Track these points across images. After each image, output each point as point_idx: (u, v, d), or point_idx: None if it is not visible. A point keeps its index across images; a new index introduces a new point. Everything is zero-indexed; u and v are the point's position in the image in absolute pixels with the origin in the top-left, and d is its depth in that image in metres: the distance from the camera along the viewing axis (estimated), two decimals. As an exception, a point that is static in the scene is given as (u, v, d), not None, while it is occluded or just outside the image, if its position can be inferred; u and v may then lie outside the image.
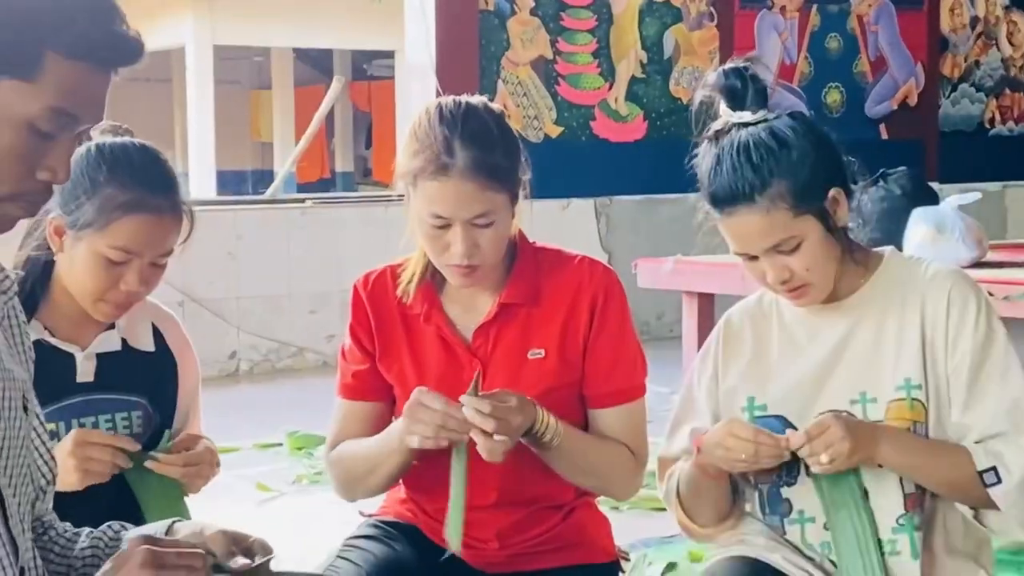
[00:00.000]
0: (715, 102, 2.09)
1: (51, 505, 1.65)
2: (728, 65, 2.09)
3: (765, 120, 2.02)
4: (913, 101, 8.93)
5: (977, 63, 9.27)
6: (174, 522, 1.62)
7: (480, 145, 2.05)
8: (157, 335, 2.26)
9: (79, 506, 1.94)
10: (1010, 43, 9.41)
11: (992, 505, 1.99)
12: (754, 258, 2.02)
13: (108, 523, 1.66)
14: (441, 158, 2.04)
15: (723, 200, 2.00)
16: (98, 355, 2.18)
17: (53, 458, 1.62)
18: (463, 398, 1.99)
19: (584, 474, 2.18)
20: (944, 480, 2.00)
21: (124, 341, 2.21)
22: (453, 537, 2.04)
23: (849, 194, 2.05)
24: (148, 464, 2.11)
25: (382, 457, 2.14)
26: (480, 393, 2.01)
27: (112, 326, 2.20)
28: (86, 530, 1.65)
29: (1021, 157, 9.31)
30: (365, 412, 2.23)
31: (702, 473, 2.06)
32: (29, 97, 1.38)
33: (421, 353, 2.19)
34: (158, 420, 2.23)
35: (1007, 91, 9.43)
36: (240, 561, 1.53)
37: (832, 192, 2.02)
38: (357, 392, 2.24)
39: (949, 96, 9.16)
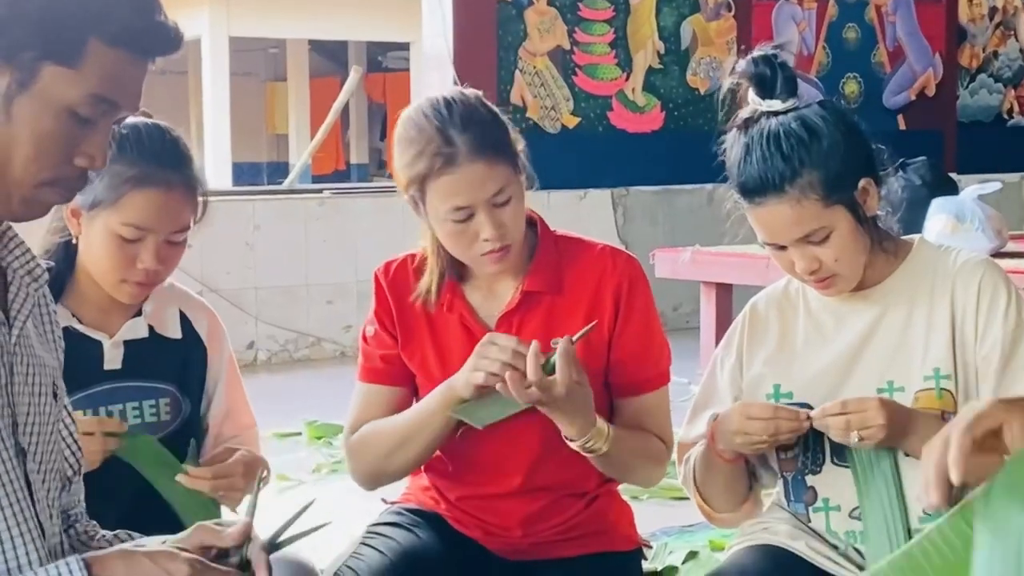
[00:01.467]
0: (743, 90, 2.08)
1: (81, 497, 1.66)
2: (757, 52, 2.07)
3: (795, 109, 2.01)
4: (931, 92, 8.91)
5: (995, 54, 9.24)
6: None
7: (474, 124, 2.05)
8: (185, 322, 2.25)
9: (101, 506, 1.94)
10: (1029, 34, 9.40)
11: None
12: (782, 248, 2.02)
13: (115, 532, 1.67)
14: (444, 150, 2.04)
15: (753, 190, 1.99)
16: (125, 342, 2.18)
17: (80, 448, 1.63)
18: (563, 340, 1.98)
19: (621, 471, 2.18)
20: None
21: (151, 328, 2.21)
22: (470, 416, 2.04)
23: (879, 183, 2.04)
24: (178, 478, 2.09)
25: (415, 430, 2.13)
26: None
27: (139, 313, 2.20)
28: (99, 534, 1.66)
29: (1039, 148, 9.31)
30: (388, 397, 2.22)
31: (717, 456, 2.06)
32: (71, 83, 1.39)
33: (444, 342, 2.18)
34: (188, 407, 2.22)
35: (1025, 82, 9.42)
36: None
37: (862, 182, 2.01)
38: (382, 376, 2.23)
39: (967, 87, 9.14)
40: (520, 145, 2.14)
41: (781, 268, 2.07)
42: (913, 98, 8.83)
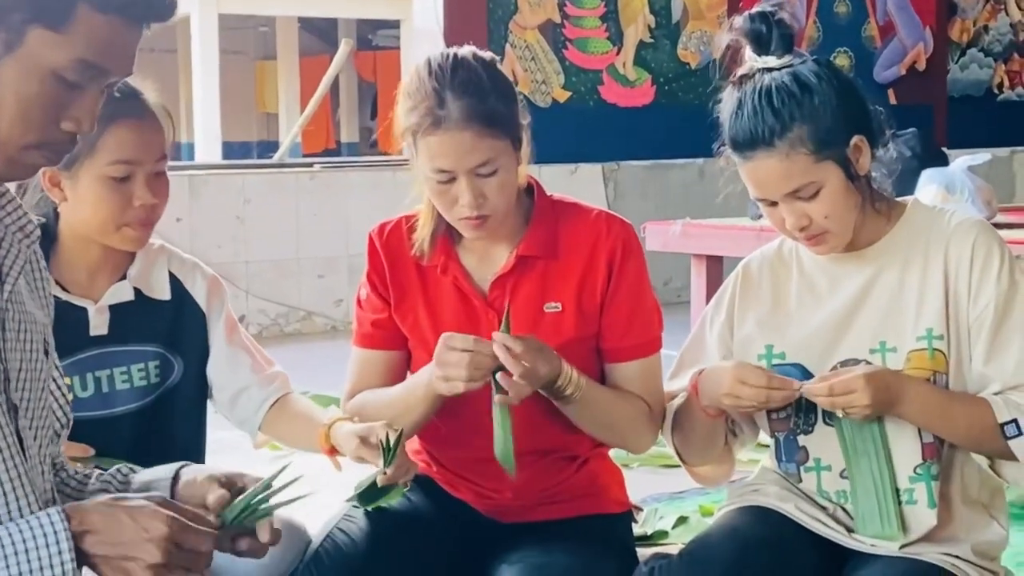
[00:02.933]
0: (740, 48, 2.08)
1: (63, 448, 1.66)
2: (755, 9, 2.07)
3: (790, 65, 2.01)
4: (922, 66, 8.94)
5: (986, 28, 9.28)
6: (181, 467, 1.63)
7: (472, 93, 2.04)
8: (175, 283, 2.24)
9: (136, 429, 2.03)
10: (1019, 8, 9.42)
11: (1011, 456, 1.98)
12: (773, 204, 2.02)
13: (117, 467, 1.68)
14: (434, 112, 2.04)
15: (743, 144, 2.00)
16: (111, 307, 2.17)
17: (68, 402, 1.63)
18: (495, 335, 2.00)
19: (604, 428, 2.18)
20: (964, 433, 1.99)
21: (137, 291, 2.20)
22: (507, 464, 2.04)
23: (873, 142, 2.04)
24: None
25: (405, 409, 2.13)
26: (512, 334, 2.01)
27: (124, 277, 2.19)
28: (95, 472, 1.67)
29: (1030, 122, 9.32)
30: (383, 361, 2.23)
31: (700, 411, 2.06)
32: (57, 47, 1.38)
33: (437, 304, 2.18)
34: (180, 368, 2.22)
35: (1016, 56, 9.44)
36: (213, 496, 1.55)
37: (855, 139, 2.00)
38: (375, 341, 2.23)
39: (958, 61, 9.18)
40: (527, 120, 2.13)
41: (772, 225, 2.07)
42: (903, 73, 8.85)
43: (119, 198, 2.09)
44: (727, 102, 2.04)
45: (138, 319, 2.19)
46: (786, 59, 2.02)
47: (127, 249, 2.17)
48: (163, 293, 2.23)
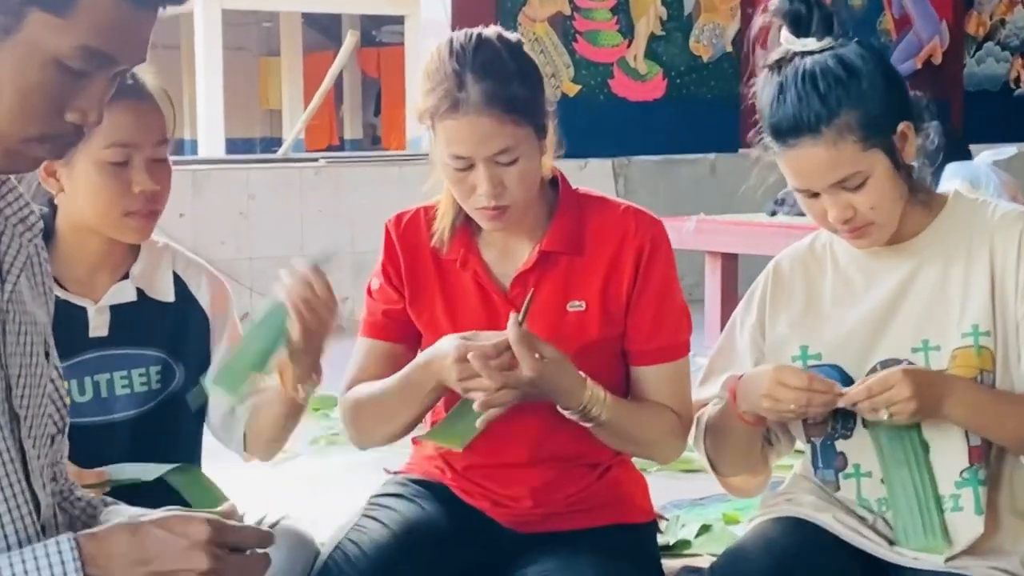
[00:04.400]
0: (774, 28, 2.00)
1: (65, 453, 1.56)
2: None
3: (831, 48, 1.93)
4: (938, 60, 8.96)
5: (1003, 22, 9.28)
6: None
7: (493, 76, 1.97)
8: (179, 284, 2.16)
9: (137, 436, 1.99)
10: (1035, 2, 9.49)
11: None
12: (815, 195, 1.94)
13: (102, 498, 1.59)
14: (453, 94, 1.97)
15: (786, 131, 1.91)
16: (112, 307, 2.09)
17: (65, 404, 1.54)
18: (511, 324, 1.92)
19: (630, 443, 2.13)
20: (1014, 434, 1.93)
21: (140, 291, 2.12)
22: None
23: (918, 130, 1.97)
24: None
25: (401, 407, 2.08)
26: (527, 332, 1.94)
27: (126, 276, 2.12)
28: (100, 500, 1.58)
29: (1046, 117, 9.38)
30: (389, 352, 2.16)
31: (738, 419, 1.99)
32: (59, 33, 1.28)
33: (456, 300, 2.12)
34: (181, 374, 2.14)
35: (1032, 51, 9.51)
36: None
37: (901, 126, 1.93)
38: (384, 331, 2.17)
39: (974, 55, 9.19)
40: (552, 107, 2.06)
41: (812, 218, 1.99)
42: (919, 66, 8.85)
43: (117, 184, 2.01)
44: (766, 87, 1.96)
45: (140, 321, 2.11)
46: (826, 41, 1.94)
47: (129, 241, 2.09)
48: (167, 295, 2.15)
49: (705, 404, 2.12)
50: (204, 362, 2.16)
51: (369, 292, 2.19)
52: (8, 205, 1.42)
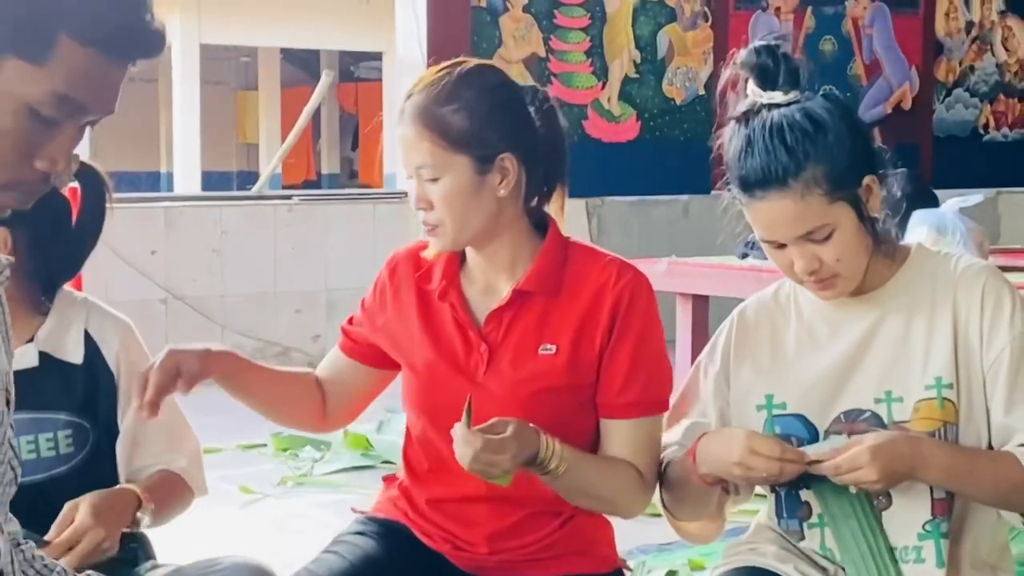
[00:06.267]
0: (741, 81, 2.01)
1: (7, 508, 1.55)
2: (759, 43, 2.01)
3: (797, 101, 1.94)
4: (907, 105, 9.00)
5: (972, 68, 9.33)
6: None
7: (429, 94, 2.02)
8: (89, 344, 2.13)
9: (47, 501, 1.92)
10: (1005, 48, 9.48)
11: None
12: (782, 247, 1.95)
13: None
14: (401, 104, 2.06)
15: (754, 184, 1.92)
16: (14, 372, 2.06)
17: (17, 456, 1.54)
18: (455, 429, 1.92)
19: (589, 499, 2.10)
20: (991, 490, 1.92)
21: (45, 354, 2.09)
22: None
23: (882, 183, 1.98)
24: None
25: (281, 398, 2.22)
26: (473, 427, 1.92)
27: (31, 339, 2.09)
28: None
29: (1015, 163, 9.37)
30: (337, 360, 2.27)
31: (698, 479, 1.98)
32: (33, 80, 1.29)
33: (433, 331, 2.13)
34: (96, 436, 2.11)
35: (1001, 97, 9.50)
36: None
37: (866, 180, 1.94)
38: (347, 347, 2.25)
39: (944, 101, 9.22)
40: (511, 151, 2.04)
41: (778, 268, 1.99)
42: (889, 112, 8.90)
43: None
44: (733, 139, 1.96)
45: (45, 384, 2.07)
46: (793, 95, 1.95)
47: None
48: (75, 355, 2.12)
49: (667, 449, 2.10)
50: (114, 424, 2.13)
51: (349, 320, 2.26)
52: None
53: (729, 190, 1.98)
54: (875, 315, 2.00)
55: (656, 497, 2.13)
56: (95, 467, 2.08)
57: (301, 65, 19.57)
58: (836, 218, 1.91)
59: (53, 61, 1.28)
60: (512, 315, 2.08)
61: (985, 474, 1.90)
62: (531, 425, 1.96)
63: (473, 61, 2.09)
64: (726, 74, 2.02)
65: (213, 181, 17.45)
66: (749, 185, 1.92)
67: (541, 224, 2.14)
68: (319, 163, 20.37)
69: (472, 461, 1.89)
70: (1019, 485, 1.88)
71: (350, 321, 2.24)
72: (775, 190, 1.89)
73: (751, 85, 1.98)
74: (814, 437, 1.98)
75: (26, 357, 2.06)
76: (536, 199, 2.12)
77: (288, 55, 19.05)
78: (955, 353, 1.94)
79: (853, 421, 1.98)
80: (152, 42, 1.35)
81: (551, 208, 2.15)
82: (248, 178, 18.88)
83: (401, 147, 2.04)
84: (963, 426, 1.94)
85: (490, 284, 2.12)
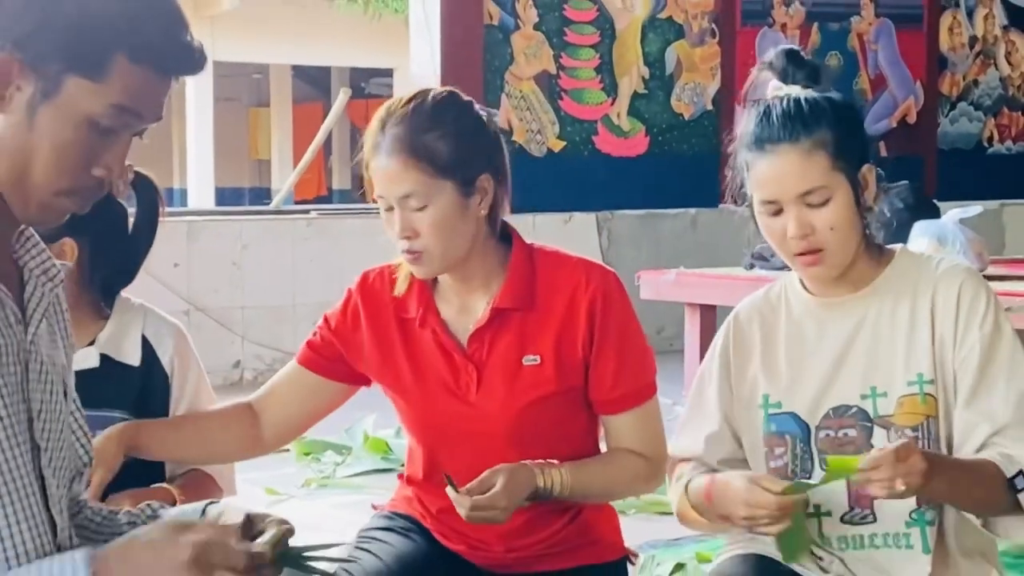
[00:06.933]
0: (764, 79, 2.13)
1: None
2: (786, 46, 2.15)
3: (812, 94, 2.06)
4: (912, 119, 8.96)
5: (976, 82, 9.30)
6: (208, 504, 1.65)
7: (409, 123, 2.02)
8: (146, 347, 2.24)
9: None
10: (1008, 62, 9.44)
11: (1016, 511, 1.97)
12: (777, 213, 2.03)
13: (146, 503, 1.70)
14: (374, 139, 2.05)
15: (767, 138, 2.02)
16: (76, 372, 2.16)
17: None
18: (448, 493, 1.99)
19: (599, 499, 2.17)
20: (983, 502, 1.98)
21: (105, 356, 2.20)
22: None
23: (878, 180, 2.07)
24: None
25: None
26: (461, 489, 1.98)
27: (93, 342, 2.19)
28: (123, 508, 1.69)
29: (1019, 175, 9.33)
30: (294, 372, 2.25)
31: (718, 519, 2.06)
32: (94, 96, 1.42)
33: (419, 358, 2.15)
34: None
35: (1005, 110, 9.46)
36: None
37: (865, 167, 2.05)
38: (315, 364, 2.23)
39: (948, 114, 9.18)
40: (490, 172, 2.08)
41: (771, 240, 2.06)
42: (894, 125, 8.87)
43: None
44: (751, 113, 2.07)
45: (104, 384, 2.17)
46: (809, 90, 2.07)
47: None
48: (133, 358, 2.22)
49: (682, 459, 2.16)
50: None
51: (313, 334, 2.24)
52: (32, 258, 1.55)
53: (738, 202, 2.08)
54: (860, 313, 2.07)
55: (674, 506, 2.20)
56: (145, 462, 2.18)
57: (312, 82, 19.58)
58: (835, 185, 2.00)
59: (110, 78, 1.42)
60: (493, 332, 2.10)
61: (978, 488, 1.95)
62: (525, 464, 2.03)
63: (438, 88, 2.10)
64: (753, 72, 2.14)
65: (226, 197, 17.43)
66: (762, 140, 2.02)
67: (503, 233, 2.16)
68: (330, 179, 20.37)
69: (468, 518, 1.98)
70: (1001, 489, 1.94)
71: (315, 336, 2.22)
72: (787, 143, 1.99)
73: (773, 82, 2.10)
74: (806, 434, 2.06)
75: (88, 359, 2.17)
76: (497, 213, 2.14)
77: (299, 72, 19.07)
78: (933, 349, 2.02)
79: (841, 416, 2.05)
80: (195, 60, 1.48)
81: (504, 216, 2.16)
82: (261, 193, 18.93)
83: (381, 180, 2.03)
84: (942, 420, 2.02)
85: (465, 303, 2.14)
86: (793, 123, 1.99)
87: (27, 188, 1.44)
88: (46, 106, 1.42)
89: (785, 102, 2.02)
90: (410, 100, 2.05)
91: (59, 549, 1.50)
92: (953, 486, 1.95)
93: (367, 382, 2.24)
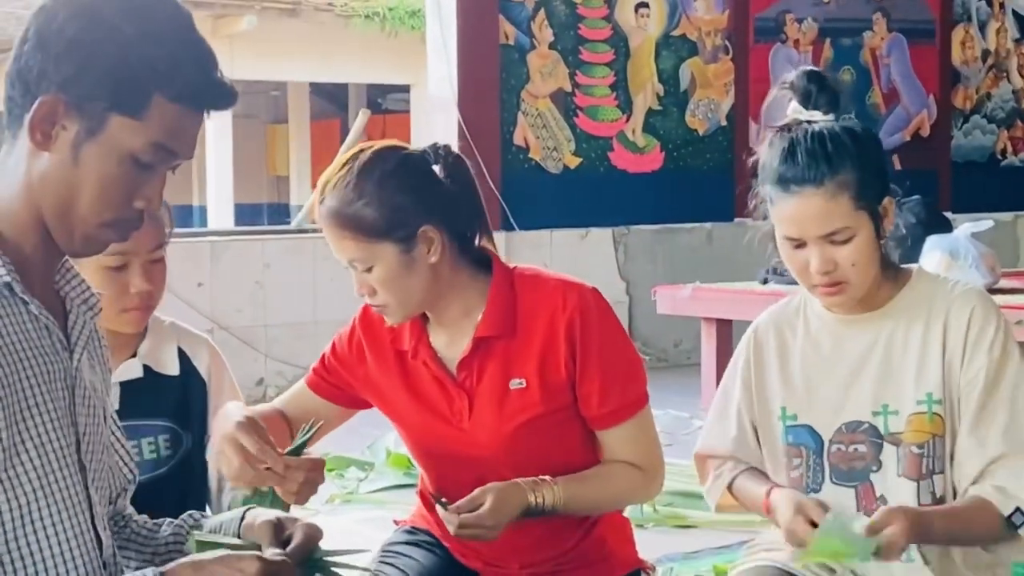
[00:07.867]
0: (786, 100, 2.17)
1: (129, 500, 1.76)
2: (807, 67, 2.18)
3: (833, 122, 2.10)
4: (926, 132, 8.98)
5: (988, 95, 9.33)
6: (246, 511, 1.70)
7: (338, 196, 2.06)
8: (183, 358, 2.33)
9: (147, 499, 2.03)
10: (1021, 76, 9.48)
11: (1016, 539, 2.03)
12: (801, 246, 2.06)
13: (188, 512, 1.76)
14: (317, 208, 2.11)
15: (791, 179, 2.04)
16: (121, 383, 2.24)
17: (132, 459, 1.73)
18: (438, 511, 2.06)
19: (596, 511, 2.21)
20: (981, 537, 2.05)
21: (147, 367, 2.28)
22: None
23: (898, 209, 2.13)
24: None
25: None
26: (450, 507, 2.04)
27: (134, 354, 2.28)
28: (166, 520, 1.75)
29: (1033, 187, 9.35)
30: (301, 393, 2.33)
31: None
32: (135, 133, 1.50)
33: (416, 388, 2.20)
34: (188, 441, 2.30)
35: (1018, 122, 9.48)
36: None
37: (885, 200, 2.09)
38: (321, 388, 2.31)
39: (961, 127, 9.20)
40: (428, 225, 2.08)
41: (793, 270, 2.10)
42: (908, 139, 8.89)
43: (116, 286, 2.17)
44: (774, 143, 2.09)
45: (148, 394, 2.26)
46: (830, 116, 2.11)
47: (126, 331, 2.24)
48: (173, 368, 2.31)
49: (711, 454, 2.24)
50: (206, 426, 2.31)
51: (322, 358, 2.31)
52: (73, 288, 1.62)
53: (757, 210, 2.12)
54: (874, 331, 2.12)
55: (709, 499, 2.27)
56: (187, 468, 2.28)
57: (330, 98, 19.64)
58: (858, 224, 2.03)
59: (150, 116, 1.50)
60: (479, 361, 2.14)
61: (976, 524, 2.03)
62: (516, 483, 2.07)
63: (370, 148, 2.09)
64: (774, 91, 2.20)
65: (245, 213, 17.50)
66: (787, 180, 2.04)
67: (483, 258, 2.18)
68: (348, 195, 20.38)
69: (456, 535, 2.05)
70: (997, 525, 2.01)
71: (322, 363, 2.29)
72: (811, 186, 2.02)
73: (793, 104, 2.14)
74: (819, 447, 2.12)
75: (132, 370, 2.27)
76: (464, 246, 2.16)
77: (317, 89, 19.14)
78: (943, 370, 2.06)
79: (853, 432, 2.11)
80: (227, 96, 1.56)
81: (484, 241, 2.19)
82: (279, 210, 19.00)
83: (330, 242, 2.08)
84: (948, 439, 2.07)
85: (452, 335, 2.18)
86: (818, 164, 2.02)
87: (72, 221, 1.52)
88: (90, 143, 1.49)
89: (809, 139, 2.04)
90: (341, 167, 2.08)
91: (104, 566, 1.57)
92: (946, 534, 2.01)
93: (368, 406, 2.31)
